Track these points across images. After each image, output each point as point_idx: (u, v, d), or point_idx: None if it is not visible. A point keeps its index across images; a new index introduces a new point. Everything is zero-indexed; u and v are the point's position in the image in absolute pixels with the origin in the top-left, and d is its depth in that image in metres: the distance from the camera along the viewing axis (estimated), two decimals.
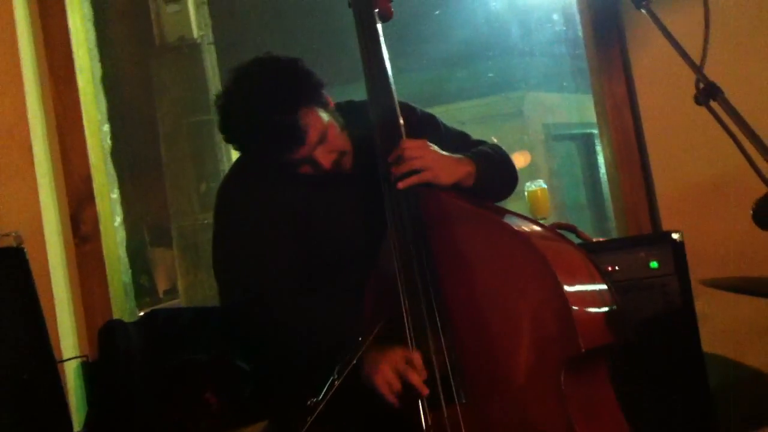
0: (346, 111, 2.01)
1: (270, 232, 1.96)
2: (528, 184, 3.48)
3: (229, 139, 1.95)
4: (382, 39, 1.95)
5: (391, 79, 1.93)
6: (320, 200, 1.98)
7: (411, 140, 1.87)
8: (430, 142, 1.91)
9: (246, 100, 1.87)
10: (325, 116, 1.90)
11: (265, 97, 1.84)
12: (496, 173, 2.00)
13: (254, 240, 1.96)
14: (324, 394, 1.52)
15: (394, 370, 1.71)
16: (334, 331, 1.80)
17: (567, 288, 1.63)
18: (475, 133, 2.23)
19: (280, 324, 1.89)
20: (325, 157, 1.89)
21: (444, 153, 1.90)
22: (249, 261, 1.95)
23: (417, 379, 1.70)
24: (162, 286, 5.89)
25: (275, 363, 2.02)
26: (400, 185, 1.82)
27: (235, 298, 1.97)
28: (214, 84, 5.36)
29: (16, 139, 2.56)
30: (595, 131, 2.85)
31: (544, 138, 8.96)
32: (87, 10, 3.01)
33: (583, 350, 1.59)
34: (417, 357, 1.71)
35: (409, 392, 1.71)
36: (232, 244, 2.00)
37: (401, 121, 1.90)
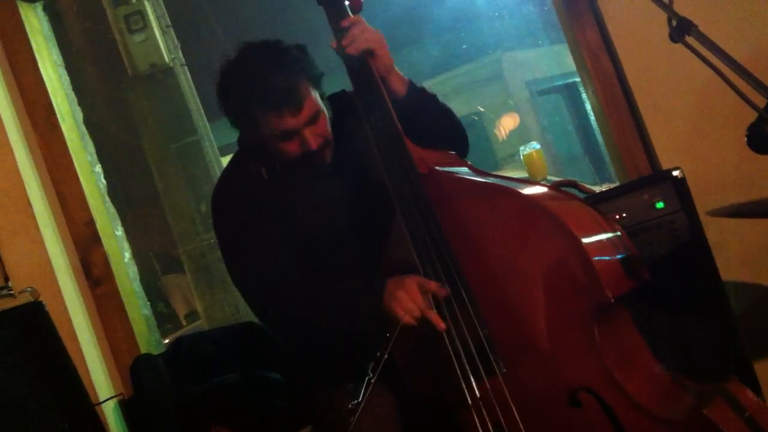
0: (336, 101, 2.06)
1: (269, 230, 1.98)
2: (522, 148, 3.49)
3: (225, 104, 1.97)
4: None
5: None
6: (304, 191, 2.00)
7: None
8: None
9: (251, 65, 1.92)
10: (320, 102, 1.95)
11: (271, 63, 1.90)
12: (430, 101, 2.04)
13: (258, 240, 1.98)
14: (363, 394, 1.54)
15: (412, 300, 1.73)
16: (351, 306, 1.84)
17: (585, 241, 1.64)
18: (459, 102, 2.25)
19: (309, 310, 1.91)
20: (313, 138, 1.92)
21: None
22: (261, 261, 1.97)
23: (436, 316, 1.72)
24: (181, 311, 5.92)
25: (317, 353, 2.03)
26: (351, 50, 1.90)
27: (264, 301, 1.98)
28: (194, 104, 5.36)
29: (13, 199, 2.55)
30: (579, 79, 2.84)
31: (529, 95, 8.91)
32: (56, 56, 3.00)
33: (612, 300, 1.60)
34: (432, 284, 1.73)
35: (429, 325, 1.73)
36: (241, 251, 2.01)
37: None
